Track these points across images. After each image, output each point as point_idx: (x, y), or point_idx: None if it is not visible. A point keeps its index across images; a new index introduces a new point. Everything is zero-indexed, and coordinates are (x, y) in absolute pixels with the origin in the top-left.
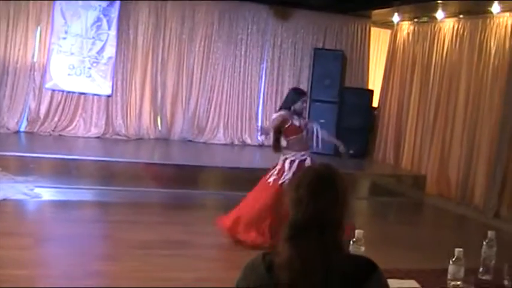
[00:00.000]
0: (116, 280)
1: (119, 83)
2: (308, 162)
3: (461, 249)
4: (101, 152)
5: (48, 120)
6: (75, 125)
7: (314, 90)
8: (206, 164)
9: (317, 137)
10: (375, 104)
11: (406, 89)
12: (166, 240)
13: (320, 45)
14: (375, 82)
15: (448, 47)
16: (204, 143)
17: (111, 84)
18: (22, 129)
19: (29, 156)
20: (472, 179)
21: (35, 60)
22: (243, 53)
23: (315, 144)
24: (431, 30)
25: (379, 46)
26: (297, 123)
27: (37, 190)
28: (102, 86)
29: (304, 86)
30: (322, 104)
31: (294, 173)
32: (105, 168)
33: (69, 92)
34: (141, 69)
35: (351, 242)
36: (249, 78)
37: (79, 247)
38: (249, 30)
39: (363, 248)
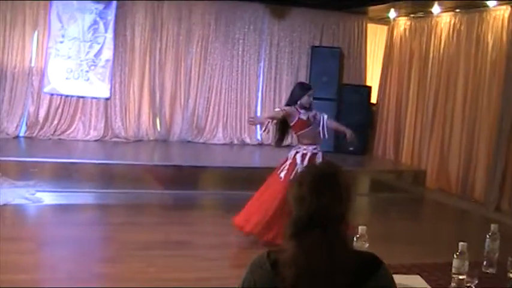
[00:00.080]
0: (118, 282)
1: (117, 85)
2: (319, 156)
3: (465, 243)
4: (100, 154)
5: (47, 124)
6: (75, 129)
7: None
8: (206, 164)
9: (323, 127)
10: (374, 100)
11: (404, 85)
12: (167, 241)
13: (317, 43)
14: (373, 78)
15: (445, 42)
16: (203, 143)
17: (109, 86)
18: (21, 134)
19: (29, 161)
20: (472, 173)
21: (32, 64)
22: (240, 52)
23: (321, 135)
24: (428, 25)
25: (376, 42)
26: (304, 117)
27: (38, 194)
28: (101, 88)
29: None
30: (320, 101)
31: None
32: (105, 170)
33: (67, 95)
34: (139, 71)
35: (355, 239)
36: (247, 77)
37: (81, 250)
38: (246, 30)
39: (366, 244)
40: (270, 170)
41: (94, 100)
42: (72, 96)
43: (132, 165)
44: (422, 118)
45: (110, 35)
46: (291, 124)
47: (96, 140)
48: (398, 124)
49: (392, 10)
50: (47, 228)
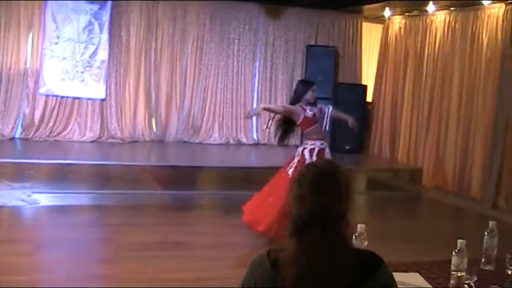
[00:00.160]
0: (117, 282)
1: (113, 86)
2: (327, 152)
3: (463, 241)
4: (96, 155)
5: (43, 125)
6: (70, 130)
7: None
8: (202, 164)
9: (326, 119)
10: (369, 99)
11: (400, 83)
12: (165, 241)
13: (312, 42)
14: (368, 77)
15: (440, 40)
16: (199, 143)
17: (104, 87)
18: (17, 135)
19: (25, 163)
20: (468, 170)
21: (27, 66)
22: (235, 52)
23: (323, 127)
24: (422, 23)
25: (372, 41)
26: (310, 114)
27: (34, 196)
28: (96, 89)
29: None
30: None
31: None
32: (102, 171)
33: (63, 96)
34: (134, 71)
35: (353, 237)
36: (243, 77)
37: (79, 251)
38: (241, 30)
39: (365, 243)
40: (266, 170)
41: (89, 101)
42: (67, 97)
43: (129, 166)
44: (418, 116)
45: (105, 35)
46: (298, 122)
47: (92, 141)
48: (394, 123)
49: (387, 9)
50: (43, 229)
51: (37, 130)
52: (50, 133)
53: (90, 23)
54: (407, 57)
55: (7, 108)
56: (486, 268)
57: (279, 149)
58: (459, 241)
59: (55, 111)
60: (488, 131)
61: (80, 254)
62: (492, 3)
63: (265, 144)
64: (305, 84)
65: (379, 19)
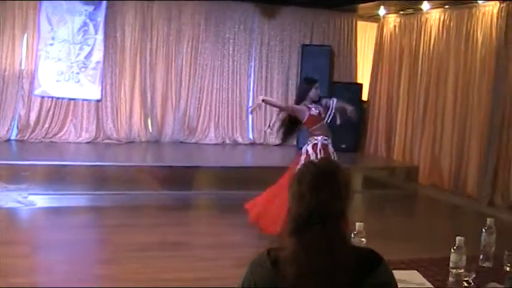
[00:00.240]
0: (116, 283)
1: (108, 87)
2: (331, 148)
3: (462, 238)
4: (93, 156)
5: (38, 127)
6: (66, 131)
7: None
8: (198, 164)
9: (331, 110)
10: (365, 97)
11: (395, 82)
12: (163, 241)
13: (307, 41)
14: (364, 76)
15: (435, 38)
16: (195, 143)
17: (100, 88)
18: (13, 137)
19: (21, 164)
20: (464, 168)
21: (22, 67)
22: (231, 52)
23: (325, 119)
24: (417, 22)
25: (366, 40)
26: (315, 112)
27: (30, 197)
28: (91, 90)
29: (293, 82)
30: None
31: (318, 155)
32: (98, 172)
33: (58, 98)
34: (129, 72)
35: (352, 235)
36: (238, 77)
37: (77, 252)
38: (236, 29)
39: (364, 241)
40: (262, 169)
41: (85, 102)
42: (63, 98)
43: (125, 166)
44: (414, 115)
45: (100, 36)
46: (303, 121)
47: (88, 142)
48: (389, 121)
49: (382, 7)
50: (40, 231)
51: (33, 131)
52: (46, 134)
53: (85, 24)
54: (402, 56)
55: (2, 110)
56: (484, 265)
57: (274, 149)
58: (458, 238)
59: (50, 113)
60: (483, 128)
61: (78, 255)
62: (486, 1)
63: (261, 144)
64: (308, 82)
65: (374, 18)
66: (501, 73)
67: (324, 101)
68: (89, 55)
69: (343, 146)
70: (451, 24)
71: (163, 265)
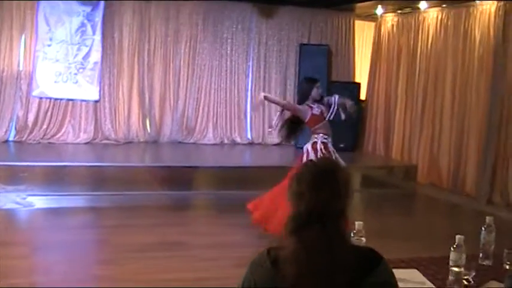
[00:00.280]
0: (116, 283)
1: (106, 87)
2: (331, 147)
3: (462, 236)
4: (91, 157)
5: (36, 128)
6: (64, 132)
7: None
8: (197, 164)
9: (333, 107)
10: (363, 96)
11: (393, 81)
12: (163, 242)
13: (305, 41)
14: (362, 75)
15: (432, 37)
16: (193, 143)
17: (98, 89)
18: (11, 138)
19: (19, 165)
20: (462, 167)
21: (20, 68)
22: (228, 52)
23: (327, 116)
24: (415, 21)
25: (364, 39)
26: (317, 111)
27: (29, 199)
28: (89, 91)
29: (291, 82)
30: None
31: (317, 153)
32: (97, 173)
33: (56, 99)
34: (127, 72)
35: (352, 234)
36: (236, 77)
37: (76, 253)
38: (234, 29)
39: (364, 240)
40: (261, 169)
41: (83, 103)
42: (61, 99)
43: (123, 167)
44: (412, 114)
45: (97, 37)
46: (305, 121)
47: (86, 143)
48: (387, 120)
49: (379, 7)
50: (39, 232)
51: (31, 132)
52: (44, 135)
53: (82, 25)
54: (400, 55)
55: (0, 111)
56: (484, 263)
57: (273, 148)
58: (457, 237)
59: (49, 114)
60: (482, 127)
61: (77, 255)
62: (484, 0)
63: (259, 144)
64: (309, 81)
65: (371, 17)
66: (499, 72)
67: (325, 100)
68: (86, 56)
69: (342, 145)
70: (449, 23)
71: (163, 265)
